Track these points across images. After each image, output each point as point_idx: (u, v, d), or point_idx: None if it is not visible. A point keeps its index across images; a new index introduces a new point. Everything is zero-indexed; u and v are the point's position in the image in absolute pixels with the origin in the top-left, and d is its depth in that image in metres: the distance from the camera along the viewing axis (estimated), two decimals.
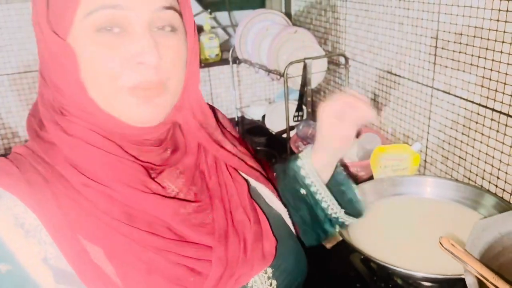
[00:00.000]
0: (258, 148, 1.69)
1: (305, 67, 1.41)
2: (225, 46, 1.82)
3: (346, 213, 0.75)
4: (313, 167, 0.72)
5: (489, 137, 0.98)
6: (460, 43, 1.00)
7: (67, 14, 0.48)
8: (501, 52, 0.90)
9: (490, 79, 0.94)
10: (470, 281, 0.59)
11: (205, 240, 0.55)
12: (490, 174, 0.99)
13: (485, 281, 0.59)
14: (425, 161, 1.20)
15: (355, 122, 0.69)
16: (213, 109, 0.69)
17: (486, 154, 0.99)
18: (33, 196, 0.49)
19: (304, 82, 1.44)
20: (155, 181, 0.55)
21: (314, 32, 1.62)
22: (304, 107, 1.49)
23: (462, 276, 0.61)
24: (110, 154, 0.52)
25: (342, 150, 0.72)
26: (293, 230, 0.69)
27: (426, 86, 1.14)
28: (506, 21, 0.88)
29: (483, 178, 1.02)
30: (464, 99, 1.03)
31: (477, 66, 0.97)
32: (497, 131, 0.95)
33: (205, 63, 1.75)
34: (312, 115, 1.51)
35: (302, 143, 1.42)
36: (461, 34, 1.00)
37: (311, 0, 1.64)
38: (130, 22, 0.49)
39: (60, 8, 0.49)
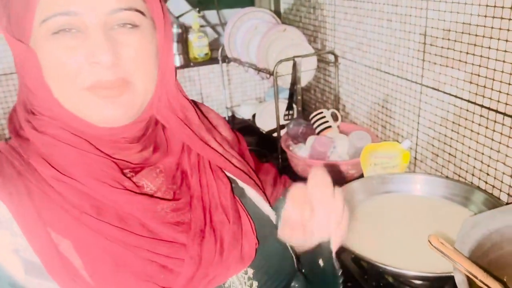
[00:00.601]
0: (249, 148, 1.68)
1: (294, 65, 1.40)
2: (214, 45, 1.81)
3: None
4: None
5: (478, 133, 0.97)
6: (449, 39, 1.00)
7: (25, 21, 0.50)
8: (489, 48, 0.90)
9: (479, 76, 0.94)
10: (460, 279, 0.58)
11: (179, 238, 0.54)
12: (480, 170, 0.99)
13: (474, 279, 0.58)
14: (415, 158, 1.20)
15: (311, 229, 0.54)
16: (196, 105, 0.68)
17: (476, 150, 0.99)
18: (4, 188, 0.50)
19: (294, 81, 1.43)
20: (129, 179, 0.54)
21: (303, 30, 1.61)
22: (294, 105, 1.48)
23: (453, 274, 0.61)
24: (80, 150, 0.53)
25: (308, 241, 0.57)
26: None
27: (415, 83, 1.14)
28: (493, 17, 0.88)
29: (473, 175, 1.01)
30: (453, 95, 1.02)
31: (466, 62, 0.97)
32: (486, 127, 0.95)
33: (195, 62, 1.73)
34: (303, 114, 1.51)
35: (292, 142, 1.41)
36: (449, 31, 0.99)
37: None
38: (85, 25, 0.50)
39: (19, 16, 0.50)
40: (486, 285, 0.58)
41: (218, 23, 1.87)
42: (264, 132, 1.59)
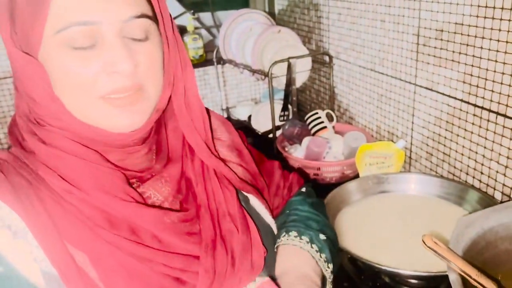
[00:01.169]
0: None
1: (289, 66, 1.40)
2: (209, 47, 1.81)
3: None
4: None
5: (472, 132, 0.98)
6: (441, 39, 1.01)
7: (34, 32, 0.48)
8: (482, 48, 0.91)
9: (472, 75, 0.95)
10: (453, 278, 0.59)
11: (192, 250, 0.54)
12: (474, 169, 1.00)
13: (468, 278, 0.59)
14: (410, 158, 1.20)
15: None
16: (208, 113, 0.67)
17: (470, 149, 1.00)
18: (17, 198, 0.48)
19: (289, 82, 1.43)
20: (137, 191, 0.54)
21: (298, 31, 1.62)
22: (289, 106, 1.49)
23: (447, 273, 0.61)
24: (89, 162, 0.51)
25: None
26: None
27: (409, 83, 1.14)
28: (485, 17, 0.88)
29: (467, 174, 1.02)
30: (446, 95, 1.03)
31: (459, 62, 0.97)
32: (480, 126, 0.96)
33: None
34: (298, 114, 1.51)
35: (288, 143, 1.41)
36: (442, 31, 1.00)
37: None
38: (102, 34, 0.48)
39: (27, 25, 0.48)
40: (480, 284, 0.59)
41: (213, 25, 1.87)
42: (260, 133, 1.59)
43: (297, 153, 1.33)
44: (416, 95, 1.13)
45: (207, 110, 0.68)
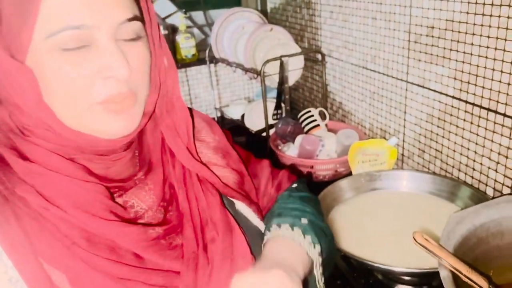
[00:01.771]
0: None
1: (281, 64, 1.40)
2: (201, 46, 1.80)
3: None
4: None
5: (463, 129, 0.98)
6: (432, 36, 1.01)
7: (21, 35, 0.45)
8: (472, 44, 0.91)
9: (463, 72, 0.95)
10: (444, 275, 0.59)
11: (173, 266, 0.53)
12: (466, 165, 1.00)
13: (459, 274, 0.59)
14: (403, 155, 1.20)
15: None
16: (192, 114, 0.65)
17: (461, 146, 1.00)
18: None
19: (282, 80, 1.43)
20: (119, 204, 0.53)
21: (290, 30, 1.62)
22: (282, 105, 1.48)
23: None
24: (70, 178, 0.50)
25: None
26: None
27: (401, 80, 1.14)
28: (475, 14, 0.89)
29: (459, 170, 1.02)
30: (438, 92, 1.03)
31: (450, 59, 0.97)
32: (471, 123, 0.96)
33: (182, 63, 1.73)
34: (291, 113, 1.51)
35: (281, 141, 1.41)
36: (433, 28, 1.00)
37: None
38: (96, 38, 0.47)
39: (13, 28, 0.46)
40: (471, 280, 0.59)
41: (205, 24, 1.87)
42: (253, 132, 1.59)
43: (290, 152, 1.32)
44: (408, 92, 1.13)
45: (191, 110, 0.66)
